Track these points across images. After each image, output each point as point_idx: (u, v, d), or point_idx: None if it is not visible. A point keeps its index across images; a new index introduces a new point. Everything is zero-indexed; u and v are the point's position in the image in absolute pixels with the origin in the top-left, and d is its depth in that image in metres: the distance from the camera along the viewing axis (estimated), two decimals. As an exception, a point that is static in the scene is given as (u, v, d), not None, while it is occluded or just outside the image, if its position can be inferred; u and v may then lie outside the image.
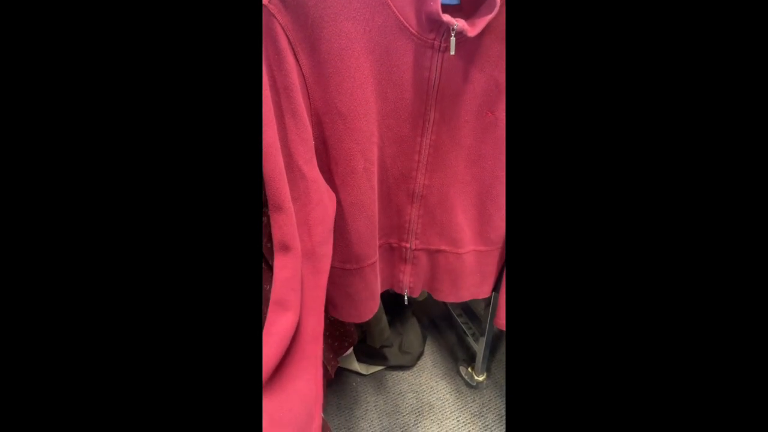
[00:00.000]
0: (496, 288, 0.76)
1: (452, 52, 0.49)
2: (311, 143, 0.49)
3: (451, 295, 0.73)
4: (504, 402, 1.05)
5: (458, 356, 1.14)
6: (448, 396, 1.06)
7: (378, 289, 0.70)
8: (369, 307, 0.70)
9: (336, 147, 0.53)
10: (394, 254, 0.70)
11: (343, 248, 0.60)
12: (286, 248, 0.43)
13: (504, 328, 0.75)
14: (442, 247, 0.67)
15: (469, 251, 0.67)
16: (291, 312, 0.42)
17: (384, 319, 1.04)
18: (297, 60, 0.46)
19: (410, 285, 0.72)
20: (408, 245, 0.68)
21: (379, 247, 0.67)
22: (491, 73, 0.52)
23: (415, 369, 1.12)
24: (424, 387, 1.08)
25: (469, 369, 1.06)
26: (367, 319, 0.70)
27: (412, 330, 1.15)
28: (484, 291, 0.74)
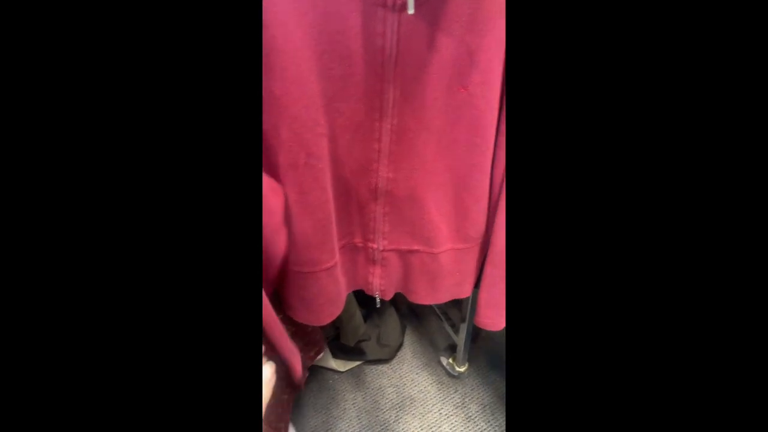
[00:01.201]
0: (476, 284, 0.68)
1: (410, 11, 0.38)
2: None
3: (428, 297, 0.66)
4: (486, 391, 1.00)
5: (439, 345, 1.08)
6: (429, 388, 1.01)
7: (340, 293, 0.63)
8: (327, 313, 0.62)
9: (274, 137, 0.42)
10: (359, 255, 0.61)
11: (293, 250, 0.52)
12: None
13: (486, 327, 0.69)
14: (415, 247, 0.59)
15: (445, 250, 0.59)
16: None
17: (358, 314, 0.96)
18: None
19: (381, 288, 0.64)
20: (375, 246, 0.59)
21: (342, 247, 0.58)
22: (462, 38, 0.41)
23: (394, 361, 1.06)
24: (404, 380, 1.03)
25: (450, 360, 1.01)
26: (325, 323, 0.63)
27: (391, 321, 1.08)
28: (464, 290, 0.67)
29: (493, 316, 0.65)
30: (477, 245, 0.60)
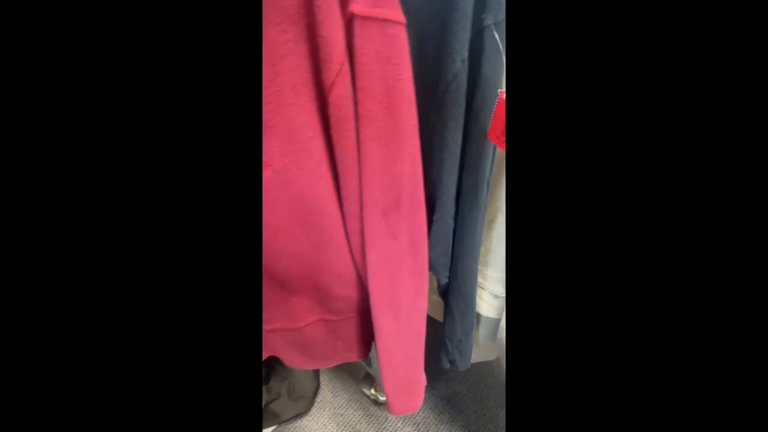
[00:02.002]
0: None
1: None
2: None
3: (307, 364, 0.57)
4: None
5: (358, 374, 0.99)
6: (359, 426, 0.93)
7: None
8: None
9: None
10: None
11: None
12: None
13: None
14: (270, 327, 0.48)
15: (312, 322, 0.49)
16: None
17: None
18: None
19: None
20: None
21: None
22: None
23: (314, 410, 0.95)
24: (329, 428, 0.93)
25: (373, 390, 0.93)
26: None
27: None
28: (354, 355, 0.58)
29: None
30: (354, 315, 0.50)
